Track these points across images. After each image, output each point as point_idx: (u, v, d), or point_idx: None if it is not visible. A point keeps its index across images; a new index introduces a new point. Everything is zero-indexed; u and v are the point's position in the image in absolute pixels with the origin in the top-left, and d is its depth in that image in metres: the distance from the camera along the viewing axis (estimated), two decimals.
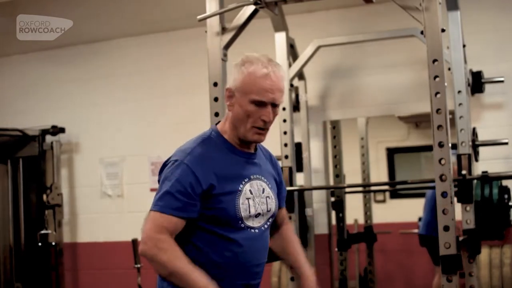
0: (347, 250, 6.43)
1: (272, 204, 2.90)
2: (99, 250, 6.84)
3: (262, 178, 2.88)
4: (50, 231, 6.55)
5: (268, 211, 2.87)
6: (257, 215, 2.82)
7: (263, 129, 2.77)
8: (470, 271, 5.02)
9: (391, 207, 10.26)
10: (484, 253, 5.33)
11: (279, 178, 3.02)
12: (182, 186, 2.66)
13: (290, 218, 5.18)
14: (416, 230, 7.92)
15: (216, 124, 2.92)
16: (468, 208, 4.91)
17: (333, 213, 6.37)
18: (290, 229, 3.12)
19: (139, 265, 5.94)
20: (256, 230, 2.83)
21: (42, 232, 6.53)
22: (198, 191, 2.68)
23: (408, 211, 9.17)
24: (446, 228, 3.89)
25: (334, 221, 6.38)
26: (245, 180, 2.80)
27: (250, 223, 2.80)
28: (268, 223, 2.90)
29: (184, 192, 2.66)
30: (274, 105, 2.76)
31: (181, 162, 2.70)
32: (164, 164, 2.79)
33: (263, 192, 2.85)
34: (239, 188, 2.77)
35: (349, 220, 6.75)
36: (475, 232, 4.89)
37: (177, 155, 2.75)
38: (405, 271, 10.35)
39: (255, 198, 2.81)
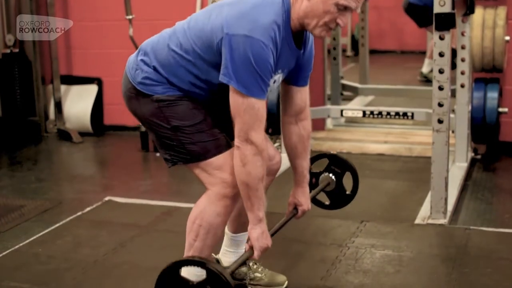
0: None
1: (274, 86, 2.88)
2: (90, 1, 6.77)
3: (285, 70, 2.84)
4: None
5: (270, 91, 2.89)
6: None
7: (332, 30, 2.75)
8: (463, 31, 5.02)
9: None
10: (478, 14, 5.29)
11: (308, 56, 2.94)
12: (269, 72, 2.64)
13: None
14: None
15: None
16: None
17: None
18: (307, 131, 3.09)
19: (130, 17, 5.92)
20: None
21: None
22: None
23: None
24: None
25: None
26: (279, 71, 2.78)
27: None
28: None
29: (270, 77, 2.67)
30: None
31: (268, 47, 2.61)
32: (232, 23, 2.64)
33: (278, 82, 2.87)
34: (271, 76, 2.73)
35: None
36: None
37: (260, 32, 2.61)
38: (396, 29, 10.42)
39: (273, 89, 2.84)
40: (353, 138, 6.00)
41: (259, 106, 2.66)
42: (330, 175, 3.42)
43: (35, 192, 5.01)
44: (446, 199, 4.10)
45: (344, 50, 9.21)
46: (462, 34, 5.01)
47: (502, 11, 5.39)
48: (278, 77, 2.81)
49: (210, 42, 2.69)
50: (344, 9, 2.65)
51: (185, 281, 2.48)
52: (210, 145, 2.79)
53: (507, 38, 5.36)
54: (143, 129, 5.98)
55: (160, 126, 2.81)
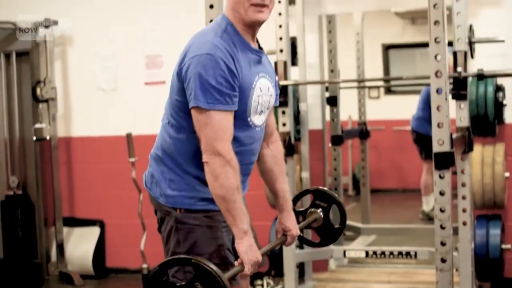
0: (340, 145, 6.44)
1: (272, 101, 2.94)
2: (93, 144, 6.86)
3: (267, 76, 2.89)
4: (45, 125, 6.55)
5: (268, 108, 2.92)
6: (261, 112, 2.86)
7: (262, 5, 2.76)
8: (462, 169, 5.06)
9: (385, 103, 10.31)
10: (477, 151, 5.36)
11: (274, 77, 3.02)
12: (226, 81, 2.65)
13: (284, 113, 5.20)
14: (409, 128, 7.98)
15: (224, 12, 2.88)
16: (462, 106, 4.91)
17: (327, 109, 6.37)
18: (280, 152, 3.11)
19: (133, 159, 5.98)
20: (258, 128, 2.88)
21: (37, 126, 6.53)
22: (237, 84, 2.69)
23: (402, 108, 9.23)
24: (440, 125, 3.91)
25: (328, 117, 6.38)
26: (257, 78, 2.81)
27: (255, 120, 2.84)
28: (266, 121, 2.95)
29: (230, 86, 2.66)
30: None
31: (214, 56, 2.65)
32: (190, 58, 2.71)
33: (268, 90, 2.88)
34: (253, 85, 2.78)
35: (343, 116, 6.75)
36: (468, 129, 4.90)
37: (205, 48, 2.68)
38: (397, 168, 10.48)
39: (263, 96, 2.84)
40: (357, 278, 5.94)
41: (220, 118, 2.64)
42: (317, 210, 3.36)
43: None
44: None
45: (345, 190, 9.25)
46: (462, 172, 5.05)
47: (500, 148, 5.46)
48: (264, 83, 2.85)
49: (178, 91, 2.75)
50: None
51: (173, 283, 2.42)
52: None
53: (507, 174, 5.41)
54: (145, 272, 5.95)
55: (175, 245, 2.80)
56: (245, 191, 2.94)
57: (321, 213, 3.32)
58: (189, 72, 2.68)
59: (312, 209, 3.35)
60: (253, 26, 2.82)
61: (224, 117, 2.66)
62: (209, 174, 2.66)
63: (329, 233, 3.37)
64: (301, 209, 3.35)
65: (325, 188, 3.41)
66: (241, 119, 2.77)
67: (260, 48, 2.91)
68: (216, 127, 2.64)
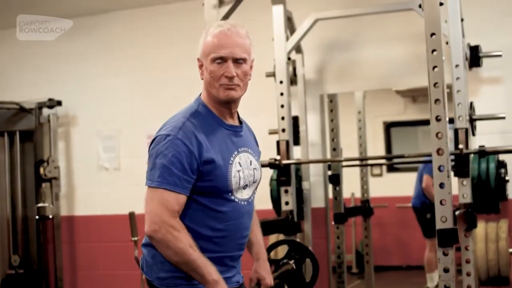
0: (343, 223, 6.43)
1: (258, 174, 2.95)
2: (96, 223, 6.86)
3: (249, 150, 2.92)
4: (47, 204, 6.56)
5: (254, 182, 2.92)
6: (245, 187, 2.86)
7: (231, 85, 2.79)
8: (466, 245, 5.04)
9: (387, 181, 10.30)
10: (480, 227, 5.35)
11: (257, 150, 3.04)
12: (179, 162, 2.66)
13: (287, 191, 5.20)
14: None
15: (200, 95, 2.93)
16: (464, 183, 4.92)
17: (330, 187, 6.38)
18: (256, 222, 3.11)
19: (136, 238, 5.96)
20: (244, 202, 2.87)
21: (39, 205, 6.54)
22: (194, 166, 2.69)
23: (405, 185, 9.20)
24: (443, 202, 3.91)
25: (331, 195, 6.39)
26: (235, 153, 2.83)
27: (239, 195, 2.84)
28: (254, 194, 2.95)
29: (182, 168, 2.67)
30: (238, 61, 2.79)
31: (174, 137, 2.69)
32: (154, 139, 2.78)
33: (250, 164, 2.90)
34: (230, 161, 2.79)
35: (346, 194, 6.76)
36: (471, 206, 4.90)
37: (168, 129, 2.74)
38: (401, 245, 10.41)
39: (244, 170, 2.85)
40: None
41: (166, 196, 2.65)
42: (290, 262, 3.30)
43: None
44: None
45: (349, 267, 9.17)
46: (466, 248, 5.03)
47: (504, 225, 5.45)
48: (245, 157, 2.86)
49: None
50: (222, 61, 2.75)
51: None
52: None
53: (511, 250, 5.38)
54: None
55: None
56: (238, 268, 2.94)
57: (293, 265, 3.30)
58: (149, 151, 2.74)
59: (285, 260, 3.34)
60: (228, 103, 2.85)
61: (170, 195, 2.67)
62: (159, 245, 2.68)
63: (299, 286, 3.35)
64: (275, 259, 3.33)
65: (299, 241, 3.41)
66: (223, 196, 2.78)
67: (240, 123, 2.95)
68: (161, 202, 2.66)
